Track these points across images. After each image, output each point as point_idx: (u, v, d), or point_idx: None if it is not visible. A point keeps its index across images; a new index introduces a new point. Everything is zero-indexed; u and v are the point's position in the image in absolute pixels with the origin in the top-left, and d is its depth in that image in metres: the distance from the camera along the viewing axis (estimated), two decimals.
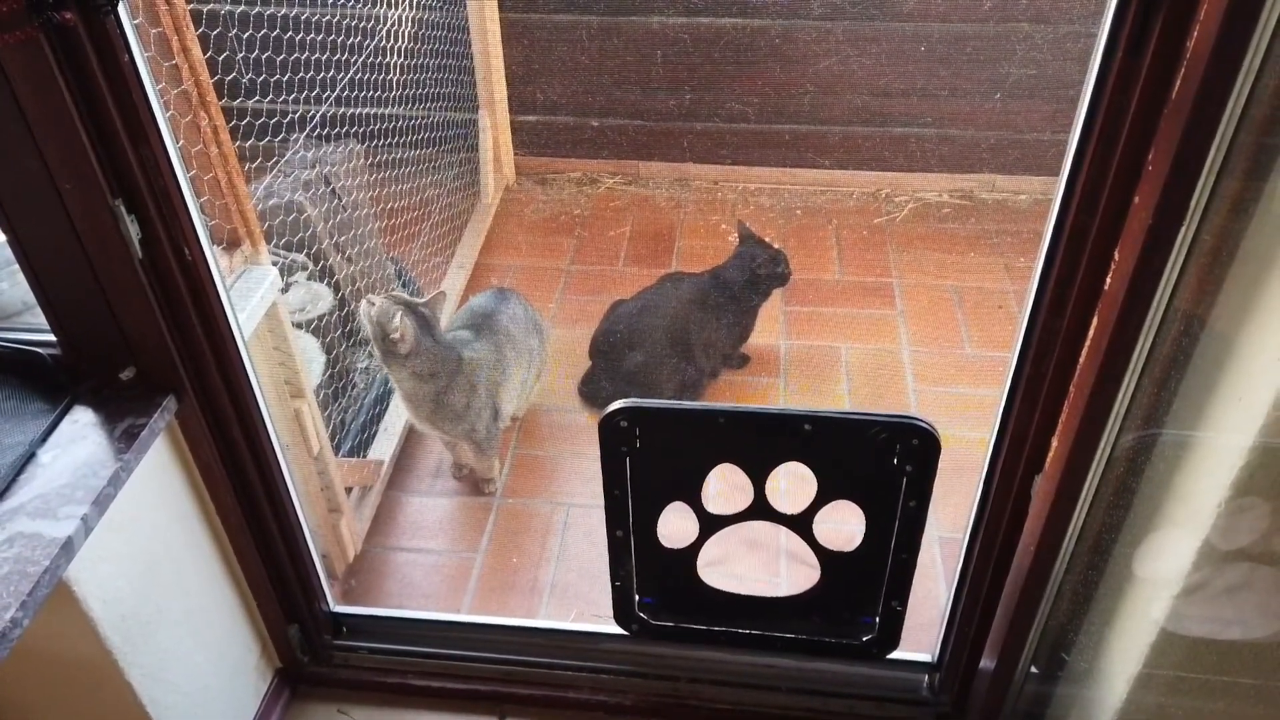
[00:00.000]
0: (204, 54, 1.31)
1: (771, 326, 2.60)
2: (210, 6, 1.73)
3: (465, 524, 2.09)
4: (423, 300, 1.99)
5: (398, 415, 2.25)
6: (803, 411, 1.27)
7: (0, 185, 1.04)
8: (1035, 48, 2.89)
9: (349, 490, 1.98)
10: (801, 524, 1.38)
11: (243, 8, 1.76)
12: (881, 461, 1.28)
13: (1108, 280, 0.99)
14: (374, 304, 1.91)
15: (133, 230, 1.09)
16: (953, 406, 2.35)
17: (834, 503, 1.35)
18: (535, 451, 2.26)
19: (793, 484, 1.38)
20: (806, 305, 2.71)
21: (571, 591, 1.93)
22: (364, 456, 2.12)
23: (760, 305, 2.44)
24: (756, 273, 2.35)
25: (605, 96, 3.20)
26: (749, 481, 1.36)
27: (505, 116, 3.15)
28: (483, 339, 2.10)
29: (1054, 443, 1.10)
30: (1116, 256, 0.97)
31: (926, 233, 3.00)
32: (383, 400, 2.27)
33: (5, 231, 1.10)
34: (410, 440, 2.28)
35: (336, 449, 2.00)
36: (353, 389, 2.24)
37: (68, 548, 1.05)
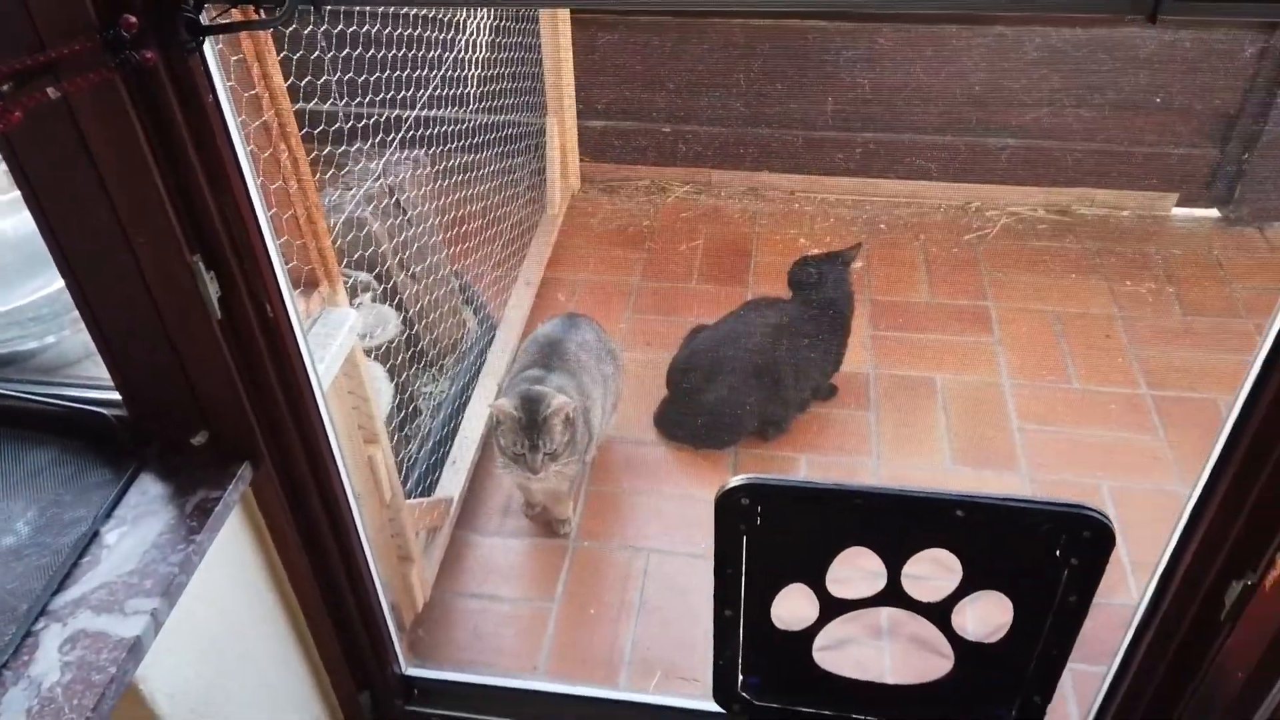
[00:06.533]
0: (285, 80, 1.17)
1: (859, 353, 2.43)
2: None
3: (538, 569, 1.96)
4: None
5: (465, 448, 2.12)
6: (956, 496, 1.11)
7: (68, 240, 0.92)
8: (1140, 54, 2.68)
9: (417, 534, 1.85)
10: (939, 613, 1.23)
11: (325, 26, 1.63)
12: (1042, 552, 1.12)
13: None
14: (552, 402, 1.79)
15: (211, 289, 0.96)
16: (1062, 449, 2.17)
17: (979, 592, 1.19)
18: (610, 488, 2.12)
19: (929, 568, 1.22)
20: (895, 330, 2.54)
21: (655, 649, 1.79)
22: (432, 495, 1.99)
23: (851, 319, 2.27)
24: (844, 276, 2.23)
25: (677, 100, 3.04)
26: (882, 566, 1.20)
27: (573, 122, 3.00)
28: (557, 374, 1.95)
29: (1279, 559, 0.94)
30: None
31: (1021, 251, 2.80)
32: (450, 437, 2.14)
33: (70, 287, 0.97)
34: (478, 474, 2.15)
35: (404, 489, 1.87)
36: (419, 418, 2.11)
37: (136, 650, 0.93)
